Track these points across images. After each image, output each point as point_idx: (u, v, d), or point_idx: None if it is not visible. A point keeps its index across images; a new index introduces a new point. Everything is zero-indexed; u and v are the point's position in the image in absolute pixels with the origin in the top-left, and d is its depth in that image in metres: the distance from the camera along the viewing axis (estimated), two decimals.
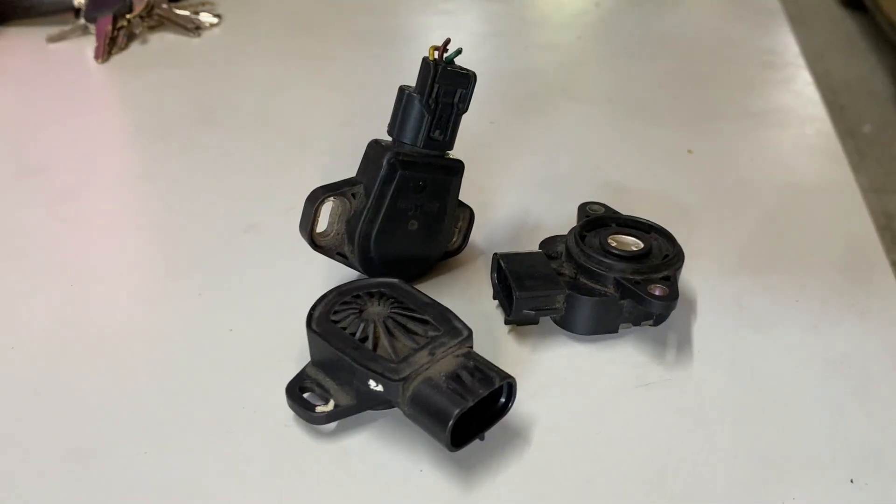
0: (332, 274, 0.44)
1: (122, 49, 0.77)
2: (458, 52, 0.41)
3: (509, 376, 0.34)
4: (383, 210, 0.42)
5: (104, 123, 0.65)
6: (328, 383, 0.36)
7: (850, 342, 0.41)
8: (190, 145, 0.60)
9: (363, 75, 0.73)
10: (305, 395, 0.36)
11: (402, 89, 0.41)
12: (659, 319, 0.42)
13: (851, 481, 0.33)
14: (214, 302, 0.44)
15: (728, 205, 0.53)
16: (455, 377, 0.33)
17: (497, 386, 0.33)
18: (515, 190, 0.54)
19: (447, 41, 0.41)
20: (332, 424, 0.36)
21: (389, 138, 0.42)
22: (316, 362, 0.37)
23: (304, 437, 0.36)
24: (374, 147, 0.42)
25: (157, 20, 0.82)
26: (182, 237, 0.49)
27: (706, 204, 0.52)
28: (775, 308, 0.43)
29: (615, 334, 0.41)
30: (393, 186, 0.41)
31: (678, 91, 0.68)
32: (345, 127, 0.63)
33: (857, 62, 2.80)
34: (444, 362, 0.34)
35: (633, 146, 0.60)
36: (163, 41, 0.80)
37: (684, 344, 0.41)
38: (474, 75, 0.41)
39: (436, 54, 0.41)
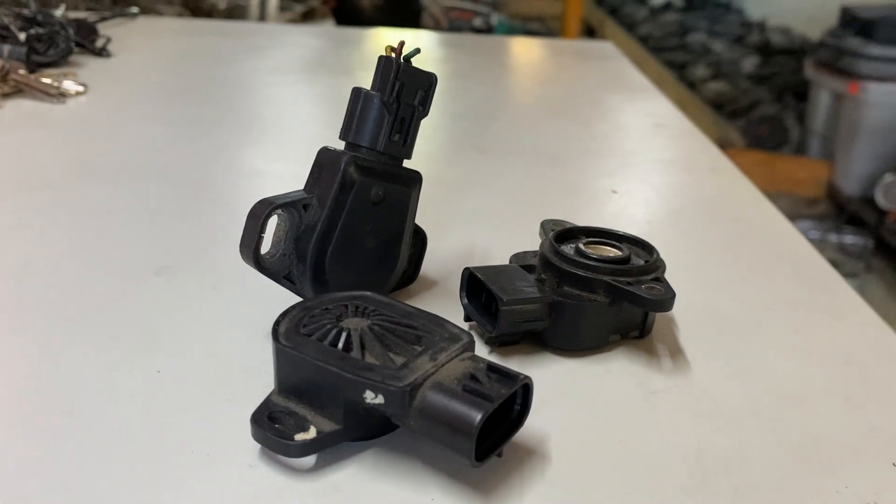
0: (265, 310, 0.37)
1: None
2: (417, 51, 0.38)
3: (527, 376, 0.29)
4: (339, 223, 0.37)
5: None
6: (302, 410, 0.30)
7: (837, 340, 0.39)
8: (71, 197, 0.52)
9: (241, 136, 0.68)
10: (276, 426, 0.29)
11: (357, 90, 0.38)
12: (645, 330, 0.39)
13: (894, 465, 0.31)
14: (130, 345, 0.36)
15: (667, 232, 0.52)
16: (470, 378, 0.28)
17: (521, 383, 0.28)
18: (456, 223, 0.50)
19: (402, 42, 0.38)
20: (310, 459, 0.29)
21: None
22: (284, 388, 0.31)
23: (276, 477, 0.29)
24: (327, 153, 0.37)
25: (13, 86, 0.73)
26: (77, 283, 0.41)
27: (646, 233, 0.51)
28: (751, 315, 0.41)
29: (601, 350, 0.37)
30: (351, 195, 0.36)
31: (586, 145, 0.69)
32: (244, 178, 0.58)
33: None
34: (451, 366, 0.29)
35: (558, 188, 0.59)
36: (20, 107, 0.71)
37: (676, 352, 0.38)
38: (435, 76, 0.38)
39: (393, 54, 0.37)
